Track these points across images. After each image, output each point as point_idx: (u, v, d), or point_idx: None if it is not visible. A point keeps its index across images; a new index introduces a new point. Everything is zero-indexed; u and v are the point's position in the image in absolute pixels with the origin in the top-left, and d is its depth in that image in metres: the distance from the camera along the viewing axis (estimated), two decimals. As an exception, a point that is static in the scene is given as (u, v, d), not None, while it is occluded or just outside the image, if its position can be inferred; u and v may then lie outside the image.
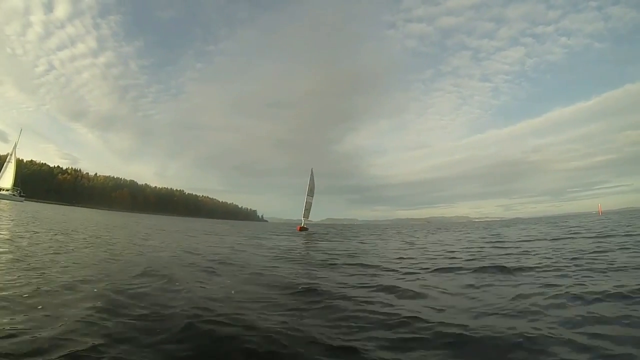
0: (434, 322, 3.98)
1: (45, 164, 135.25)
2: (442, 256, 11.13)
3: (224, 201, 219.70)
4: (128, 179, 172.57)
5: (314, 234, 30.91)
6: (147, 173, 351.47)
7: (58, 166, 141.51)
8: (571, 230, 21.05)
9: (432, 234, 29.25)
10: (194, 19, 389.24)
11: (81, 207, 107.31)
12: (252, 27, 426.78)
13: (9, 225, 16.06)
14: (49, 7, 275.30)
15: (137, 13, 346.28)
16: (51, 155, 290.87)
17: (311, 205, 35.20)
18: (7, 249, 8.46)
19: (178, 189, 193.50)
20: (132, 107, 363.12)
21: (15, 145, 67.55)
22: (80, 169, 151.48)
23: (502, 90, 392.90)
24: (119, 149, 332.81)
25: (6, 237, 11.15)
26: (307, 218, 35.48)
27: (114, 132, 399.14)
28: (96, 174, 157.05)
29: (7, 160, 66.41)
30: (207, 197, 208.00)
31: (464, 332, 3.66)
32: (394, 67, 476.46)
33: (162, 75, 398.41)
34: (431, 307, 4.77)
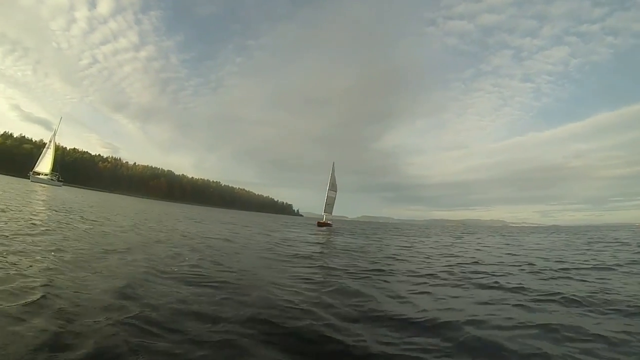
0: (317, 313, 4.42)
1: (87, 152, 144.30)
2: (437, 260, 11.03)
3: (260, 194, 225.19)
4: (166, 169, 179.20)
5: (336, 230, 30.77)
6: (186, 164, 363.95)
7: (99, 154, 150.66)
8: (590, 245, 19.68)
9: (455, 237, 28.46)
10: (234, 14, 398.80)
11: (119, 194, 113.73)
12: (292, 23, 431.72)
13: (49, 207, 17.54)
14: (92, 4, 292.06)
15: (177, 8, 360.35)
16: (93, 144, 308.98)
17: (333, 200, 35.14)
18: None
19: (214, 180, 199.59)
20: (172, 100, 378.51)
21: (55, 133, 69.70)
22: (120, 158, 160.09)
23: (544, 91, 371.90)
24: (159, 140, 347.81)
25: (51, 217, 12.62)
26: (330, 213, 35.42)
27: (154, 123, 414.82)
28: (135, 163, 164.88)
29: (46, 146, 68.97)
30: (244, 189, 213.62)
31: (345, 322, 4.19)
32: (433, 65, 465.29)
33: (202, 69, 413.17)
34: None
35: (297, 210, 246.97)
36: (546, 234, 40.10)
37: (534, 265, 9.94)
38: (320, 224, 33.30)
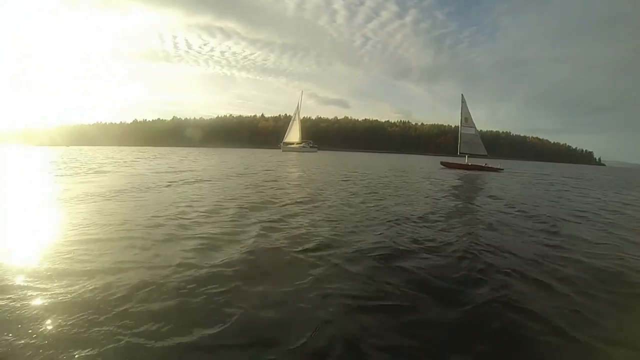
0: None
1: (376, 120, 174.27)
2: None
3: (555, 142, 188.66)
4: (453, 125, 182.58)
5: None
6: (478, 117, 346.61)
7: (387, 120, 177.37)
8: None
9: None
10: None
11: (408, 154, 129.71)
12: None
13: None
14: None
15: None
16: (386, 111, 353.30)
17: (472, 137, 28.64)
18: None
19: (504, 131, 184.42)
20: (451, 55, 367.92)
21: (298, 106, 78.45)
22: (408, 121, 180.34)
23: None
24: (446, 97, 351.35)
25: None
26: (469, 153, 29.00)
27: (439, 82, 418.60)
28: (422, 123, 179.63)
29: (292, 119, 79.47)
30: (537, 138, 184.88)
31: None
32: None
33: (471, 17, 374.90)
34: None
35: (599, 159, 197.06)
36: None
37: None
38: (446, 165, 29.34)
